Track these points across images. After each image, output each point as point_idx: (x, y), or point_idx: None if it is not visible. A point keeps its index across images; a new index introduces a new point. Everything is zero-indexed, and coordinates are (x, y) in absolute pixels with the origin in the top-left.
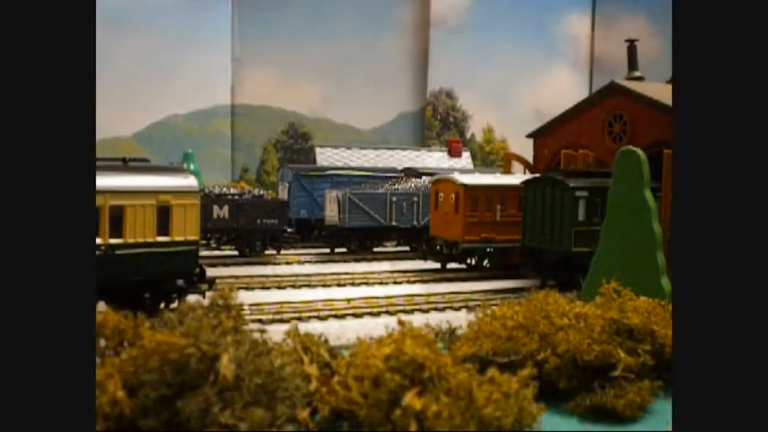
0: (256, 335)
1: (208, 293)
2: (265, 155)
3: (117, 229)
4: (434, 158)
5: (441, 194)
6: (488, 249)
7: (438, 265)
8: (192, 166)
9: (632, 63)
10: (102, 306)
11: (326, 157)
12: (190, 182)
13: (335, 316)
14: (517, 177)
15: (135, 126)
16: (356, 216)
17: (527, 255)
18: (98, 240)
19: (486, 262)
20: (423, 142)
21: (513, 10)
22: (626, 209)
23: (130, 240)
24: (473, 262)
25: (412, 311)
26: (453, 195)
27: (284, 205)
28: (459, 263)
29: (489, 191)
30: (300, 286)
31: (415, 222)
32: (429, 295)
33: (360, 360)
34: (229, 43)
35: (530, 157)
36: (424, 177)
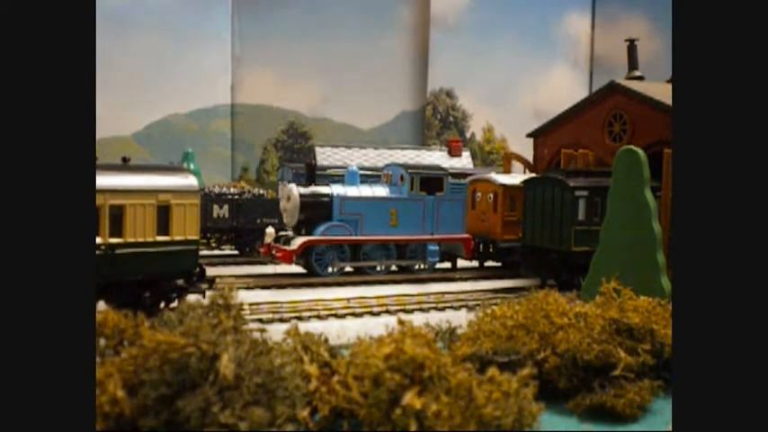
0: (256, 334)
1: (208, 293)
2: (265, 154)
3: (117, 228)
4: (434, 158)
5: (478, 194)
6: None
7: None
8: (191, 166)
9: (632, 63)
10: (101, 305)
11: (326, 156)
12: (190, 181)
13: (335, 316)
14: None
15: (135, 125)
16: None
17: (527, 254)
18: (98, 240)
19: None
20: (423, 142)
21: (513, 10)
22: (626, 208)
23: (130, 240)
24: (509, 260)
25: (412, 311)
26: (492, 195)
27: None
28: (497, 261)
29: None
30: (300, 286)
31: None
32: (429, 295)
33: (360, 359)
34: (229, 43)
35: (530, 156)
36: None
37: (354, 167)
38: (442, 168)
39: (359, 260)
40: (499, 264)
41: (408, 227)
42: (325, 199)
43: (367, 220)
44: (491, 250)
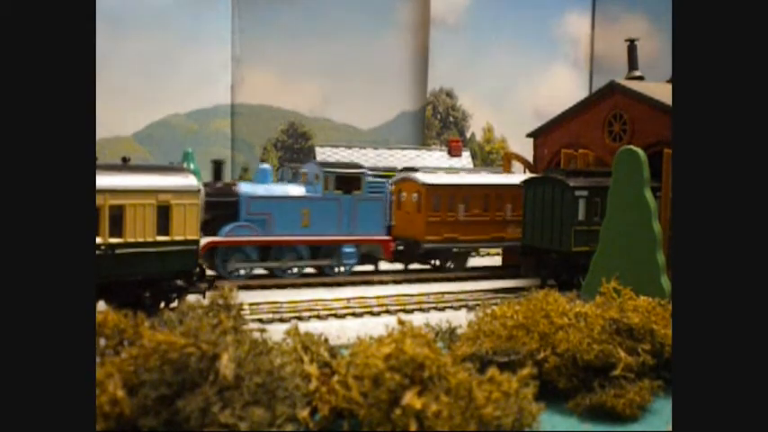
0: (256, 334)
1: (208, 293)
2: (265, 154)
3: (117, 228)
4: (434, 158)
5: (403, 194)
6: (454, 249)
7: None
8: (191, 166)
9: (632, 63)
10: (101, 305)
11: (326, 156)
12: (190, 181)
13: (335, 316)
14: (484, 176)
15: (135, 125)
16: None
17: (527, 254)
18: (98, 240)
19: (449, 263)
20: (423, 142)
21: (513, 10)
22: (626, 209)
23: (130, 240)
24: (437, 263)
25: (412, 311)
26: (415, 195)
27: None
28: (422, 263)
29: (452, 190)
30: (300, 286)
31: None
32: (429, 295)
33: (360, 359)
34: (229, 42)
35: (530, 156)
36: None
37: (267, 165)
38: (359, 167)
39: (269, 262)
40: (426, 266)
41: (322, 227)
42: (232, 198)
43: (277, 220)
44: (415, 252)
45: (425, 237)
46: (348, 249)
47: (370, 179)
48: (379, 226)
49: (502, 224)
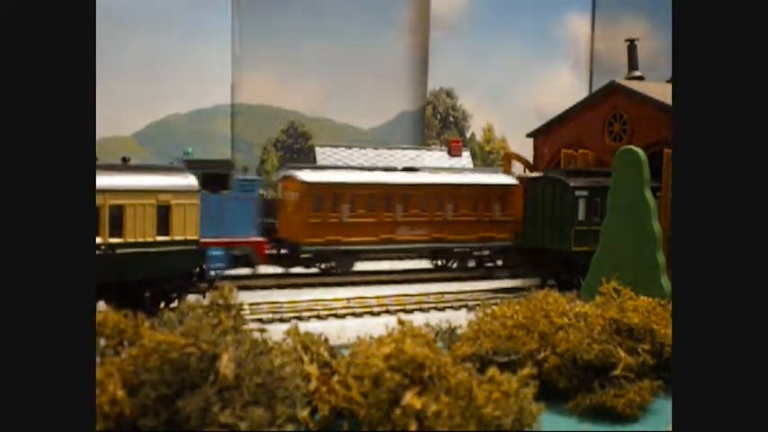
0: (256, 334)
1: (208, 293)
2: (265, 154)
3: (117, 228)
4: (434, 158)
5: (287, 192)
6: (335, 252)
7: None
8: None
9: (632, 63)
10: (101, 305)
11: (326, 156)
12: (189, 181)
13: (335, 316)
14: (373, 174)
15: (135, 125)
16: None
17: (527, 254)
18: (98, 240)
19: (333, 266)
20: (423, 142)
21: (513, 10)
22: (626, 209)
23: (130, 240)
24: (322, 266)
25: (412, 311)
26: (296, 194)
27: None
28: (306, 267)
29: (335, 189)
30: (301, 286)
31: None
32: (428, 295)
33: (360, 359)
34: (229, 42)
35: (530, 156)
36: None
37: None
38: (228, 163)
39: None
40: (315, 270)
41: None
42: None
43: None
44: (295, 254)
45: (305, 239)
46: (215, 252)
47: (240, 177)
48: (249, 227)
49: (392, 226)
